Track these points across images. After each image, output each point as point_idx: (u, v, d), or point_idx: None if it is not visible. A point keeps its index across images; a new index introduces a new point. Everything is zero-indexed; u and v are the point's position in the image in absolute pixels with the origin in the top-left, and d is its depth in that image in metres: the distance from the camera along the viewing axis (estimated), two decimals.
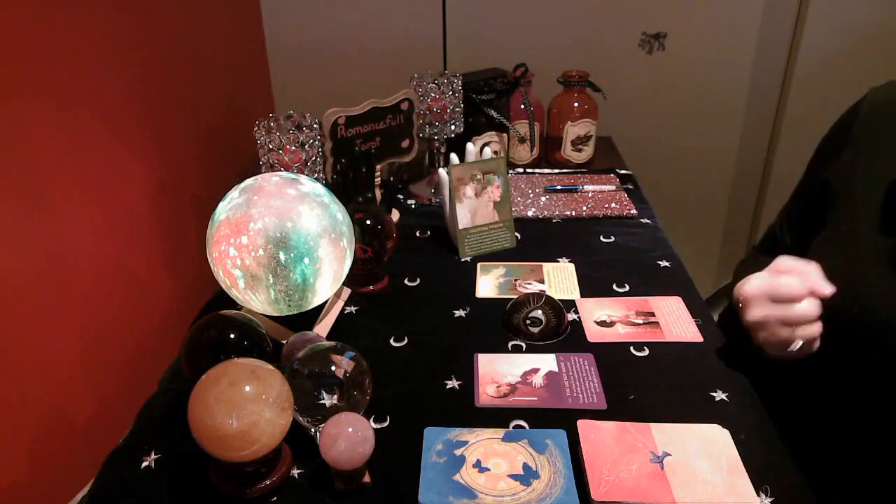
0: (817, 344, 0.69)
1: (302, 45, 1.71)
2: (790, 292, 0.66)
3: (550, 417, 0.71)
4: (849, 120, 0.78)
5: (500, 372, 0.78)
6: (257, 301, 0.74)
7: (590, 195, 1.26)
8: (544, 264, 1.02)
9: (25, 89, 0.85)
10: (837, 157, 0.77)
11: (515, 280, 0.98)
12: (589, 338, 0.85)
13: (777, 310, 0.67)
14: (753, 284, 0.70)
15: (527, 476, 0.63)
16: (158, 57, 1.18)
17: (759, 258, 0.92)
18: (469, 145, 1.11)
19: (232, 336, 0.69)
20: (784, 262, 0.69)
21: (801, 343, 0.67)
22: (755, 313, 0.69)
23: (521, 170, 1.41)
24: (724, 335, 0.83)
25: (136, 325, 1.10)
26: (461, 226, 1.04)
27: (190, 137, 1.30)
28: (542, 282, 0.98)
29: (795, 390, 0.78)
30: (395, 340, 0.85)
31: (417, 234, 1.15)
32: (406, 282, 0.99)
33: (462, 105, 1.20)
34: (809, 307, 0.66)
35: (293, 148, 0.94)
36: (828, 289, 0.66)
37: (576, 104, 1.38)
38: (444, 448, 0.66)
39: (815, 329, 0.67)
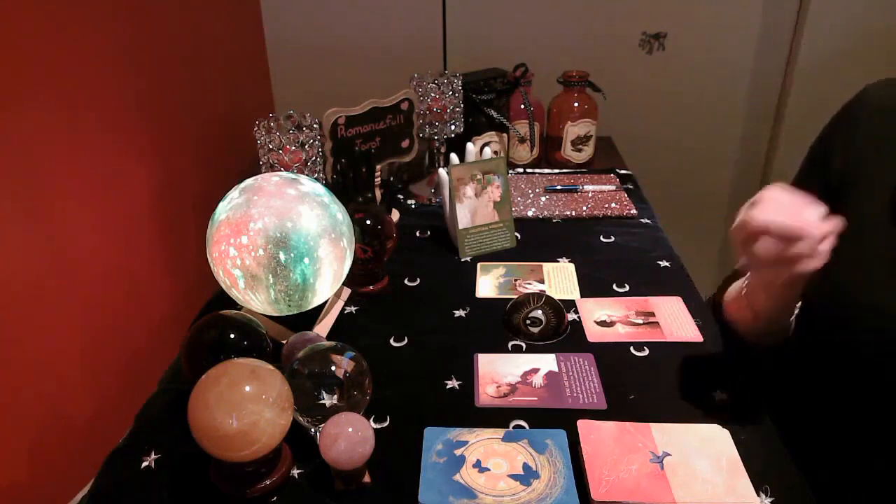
0: (814, 264, 0.61)
1: (302, 45, 1.71)
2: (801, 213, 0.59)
3: (550, 417, 0.71)
4: (846, 120, 0.77)
5: (500, 372, 0.78)
6: (257, 301, 0.74)
7: (590, 195, 1.26)
8: (544, 264, 1.02)
9: (26, 90, 0.85)
10: (834, 160, 0.77)
11: (515, 280, 0.98)
12: (589, 338, 0.85)
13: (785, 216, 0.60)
14: (775, 189, 0.64)
15: (527, 476, 0.63)
16: (159, 57, 1.18)
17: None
18: (469, 145, 1.11)
19: (232, 336, 0.69)
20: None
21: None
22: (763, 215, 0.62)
23: (521, 170, 1.41)
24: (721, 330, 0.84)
25: (136, 325, 1.10)
26: (461, 226, 1.04)
27: (190, 138, 1.30)
28: (542, 282, 0.98)
29: (795, 391, 0.78)
30: (395, 340, 0.85)
31: (417, 234, 1.15)
32: (406, 282, 0.99)
33: (462, 105, 1.20)
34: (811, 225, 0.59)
35: (293, 148, 0.94)
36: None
37: (576, 104, 1.38)
38: (444, 448, 0.66)
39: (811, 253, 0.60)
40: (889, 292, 0.66)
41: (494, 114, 1.29)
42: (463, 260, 1.05)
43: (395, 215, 1.21)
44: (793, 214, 0.60)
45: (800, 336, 0.76)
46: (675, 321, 0.87)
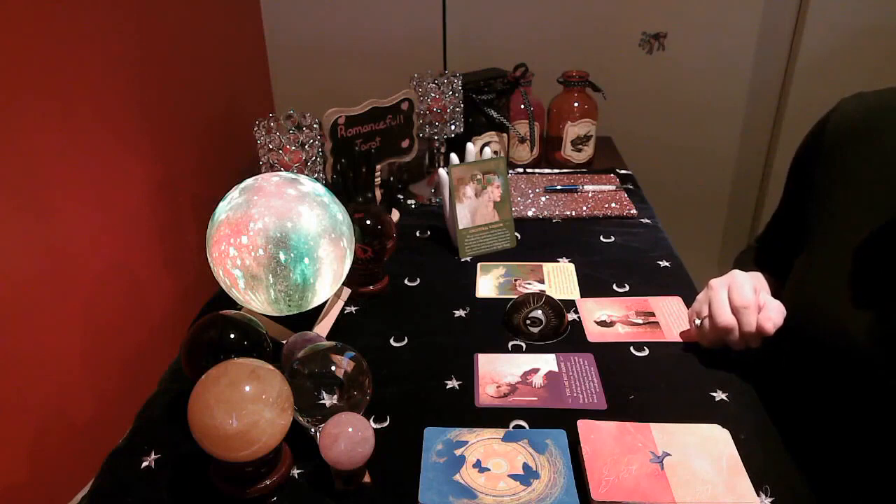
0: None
1: (302, 45, 1.71)
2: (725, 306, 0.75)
3: (550, 417, 0.71)
4: (817, 139, 0.77)
5: (500, 372, 0.78)
6: (257, 301, 0.74)
7: (590, 195, 1.26)
8: (544, 264, 1.02)
9: (25, 89, 0.85)
10: (810, 180, 0.77)
11: (515, 280, 0.98)
12: (589, 338, 0.85)
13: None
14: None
15: (527, 476, 0.63)
16: (158, 57, 1.18)
17: (754, 252, 0.92)
18: (469, 145, 1.11)
19: (232, 336, 0.68)
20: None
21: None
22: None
23: (521, 170, 1.41)
24: None
25: (136, 325, 1.10)
26: (461, 226, 1.04)
27: (190, 137, 1.30)
28: (542, 282, 0.98)
29: (795, 390, 0.78)
30: (395, 340, 0.85)
31: (417, 234, 1.15)
32: (406, 282, 0.99)
33: (462, 105, 1.20)
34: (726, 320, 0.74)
35: (293, 148, 0.94)
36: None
37: (576, 104, 1.38)
38: (444, 448, 0.66)
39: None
40: (856, 315, 0.66)
41: (494, 114, 1.29)
42: (463, 260, 1.05)
43: (395, 215, 1.21)
44: (733, 308, 0.74)
45: (787, 341, 0.77)
46: (675, 321, 0.87)
